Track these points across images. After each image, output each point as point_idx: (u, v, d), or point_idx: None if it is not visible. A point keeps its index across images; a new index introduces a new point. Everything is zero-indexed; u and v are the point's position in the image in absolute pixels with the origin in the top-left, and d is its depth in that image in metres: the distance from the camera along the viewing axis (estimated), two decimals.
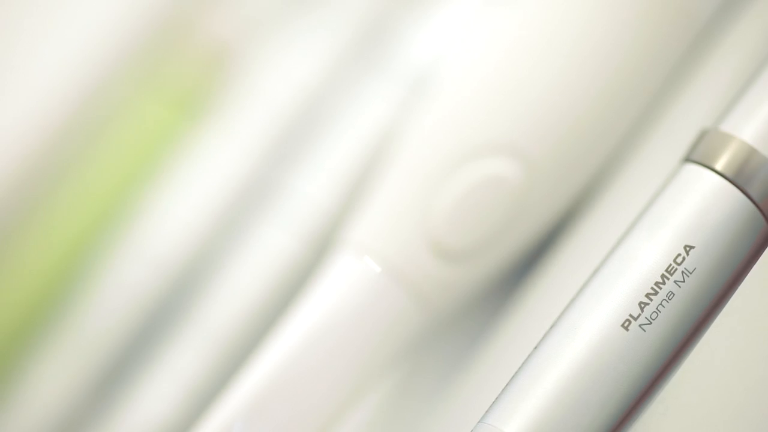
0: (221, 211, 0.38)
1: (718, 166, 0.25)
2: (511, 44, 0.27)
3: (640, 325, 0.24)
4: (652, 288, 0.24)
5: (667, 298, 0.24)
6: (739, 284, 0.24)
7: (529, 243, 0.27)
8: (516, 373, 0.25)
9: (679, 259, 0.24)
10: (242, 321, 0.35)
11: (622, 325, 0.24)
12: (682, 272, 0.24)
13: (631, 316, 0.24)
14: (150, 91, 0.41)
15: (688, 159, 0.25)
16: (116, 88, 0.42)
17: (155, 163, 0.40)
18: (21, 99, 0.41)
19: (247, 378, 0.26)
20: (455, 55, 0.29)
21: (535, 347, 0.25)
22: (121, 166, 0.41)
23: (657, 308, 0.24)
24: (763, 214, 0.25)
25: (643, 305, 0.24)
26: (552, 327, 0.25)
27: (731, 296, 0.24)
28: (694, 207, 0.25)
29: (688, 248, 0.24)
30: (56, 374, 0.37)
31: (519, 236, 0.27)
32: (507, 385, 0.25)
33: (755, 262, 0.24)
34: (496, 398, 0.24)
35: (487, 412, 0.24)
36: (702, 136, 0.25)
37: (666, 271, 0.24)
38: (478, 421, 0.24)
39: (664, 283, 0.24)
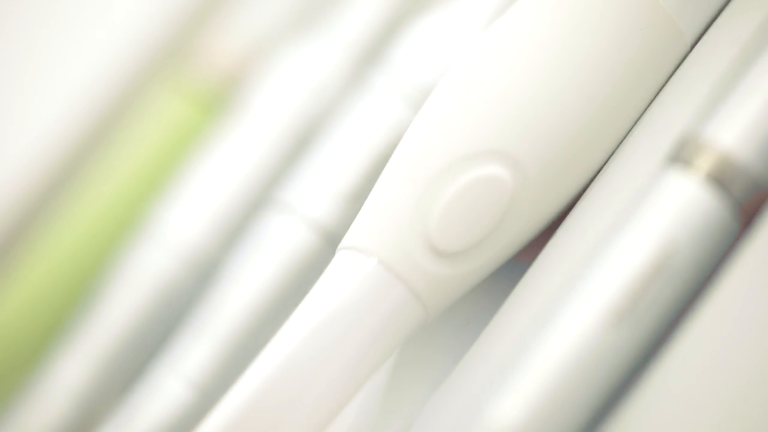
0: (232, 208, 0.38)
1: (699, 170, 0.25)
2: (509, 52, 0.27)
3: (624, 325, 0.25)
4: (636, 288, 0.25)
5: (651, 298, 0.25)
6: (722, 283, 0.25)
7: (521, 244, 0.28)
8: (503, 370, 0.25)
9: (661, 260, 0.25)
10: (253, 317, 0.36)
11: (607, 324, 0.25)
12: (665, 273, 0.25)
13: (616, 315, 0.25)
14: (171, 89, 0.42)
15: (670, 162, 0.26)
16: (139, 86, 0.42)
17: (175, 159, 0.40)
18: (50, 95, 0.42)
19: (248, 376, 0.27)
20: (453, 62, 0.29)
21: (523, 345, 0.25)
22: (139, 163, 0.41)
23: (641, 307, 0.25)
24: (743, 215, 0.25)
25: (627, 305, 0.25)
26: (539, 327, 0.25)
27: (715, 295, 0.25)
28: (676, 209, 0.25)
29: (670, 249, 0.25)
30: (72, 369, 0.38)
31: (512, 237, 0.27)
32: (494, 382, 0.25)
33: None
34: (485, 395, 0.25)
35: (478, 408, 0.25)
36: (683, 140, 0.26)
37: (649, 271, 0.25)
38: (472, 418, 0.25)
39: (647, 284, 0.25)
